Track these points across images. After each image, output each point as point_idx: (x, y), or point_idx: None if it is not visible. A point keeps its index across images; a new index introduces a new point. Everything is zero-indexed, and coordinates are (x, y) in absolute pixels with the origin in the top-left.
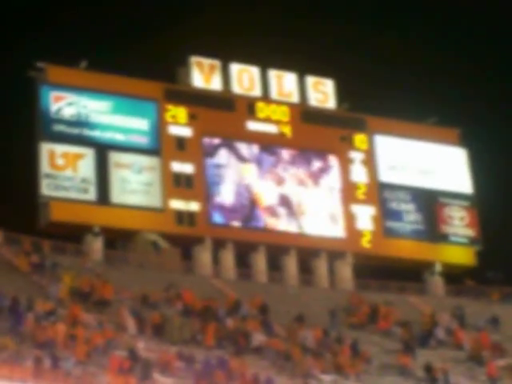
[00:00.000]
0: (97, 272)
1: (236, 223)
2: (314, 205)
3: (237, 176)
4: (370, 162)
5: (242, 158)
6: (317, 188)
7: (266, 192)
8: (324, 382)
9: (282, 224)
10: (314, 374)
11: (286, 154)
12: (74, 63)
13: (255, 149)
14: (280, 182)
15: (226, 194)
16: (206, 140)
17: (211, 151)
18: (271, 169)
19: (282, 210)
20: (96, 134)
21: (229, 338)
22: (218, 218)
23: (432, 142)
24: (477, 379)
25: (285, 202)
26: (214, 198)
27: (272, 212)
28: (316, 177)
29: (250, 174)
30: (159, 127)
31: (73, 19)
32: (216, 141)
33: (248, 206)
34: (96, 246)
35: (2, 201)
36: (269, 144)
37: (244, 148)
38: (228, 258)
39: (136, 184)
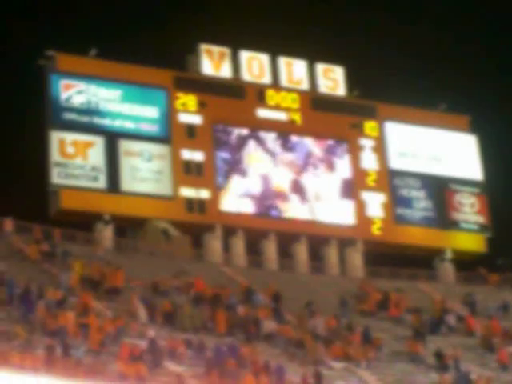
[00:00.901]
0: (107, 260)
1: (247, 210)
2: (323, 192)
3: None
4: (380, 149)
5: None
6: (327, 175)
7: (280, 179)
8: (335, 369)
9: (293, 211)
10: (325, 361)
11: (296, 140)
12: (84, 51)
13: (271, 136)
14: (292, 169)
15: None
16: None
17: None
18: (284, 156)
19: (293, 198)
20: (106, 122)
21: (240, 325)
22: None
23: (442, 128)
24: (488, 366)
25: (296, 189)
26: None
27: (284, 199)
28: (326, 164)
29: (266, 162)
30: (169, 115)
31: (82, 7)
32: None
33: (266, 194)
34: (106, 234)
35: (13, 189)
36: (279, 131)
37: (264, 136)
38: (238, 245)
39: (146, 172)
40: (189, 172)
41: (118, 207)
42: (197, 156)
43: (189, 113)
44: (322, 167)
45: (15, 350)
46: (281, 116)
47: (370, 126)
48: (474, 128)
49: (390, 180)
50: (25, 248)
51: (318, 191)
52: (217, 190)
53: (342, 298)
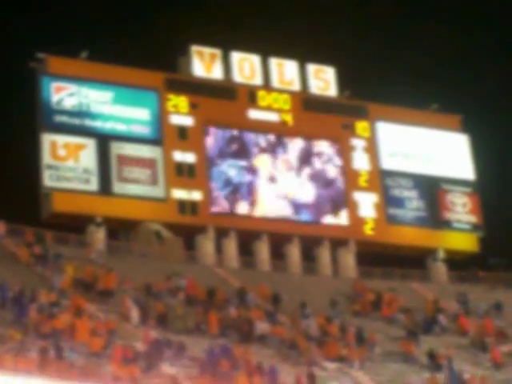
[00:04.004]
0: (100, 262)
1: (238, 211)
2: (315, 193)
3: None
4: (371, 149)
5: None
6: (318, 176)
7: (278, 181)
8: (328, 369)
9: (285, 212)
10: (318, 361)
11: (288, 141)
12: (75, 54)
13: (265, 138)
14: (285, 170)
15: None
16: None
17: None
18: (280, 157)
19: (284, 199)
20: (97, 124)
21: (233, 326)
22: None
23: (434, 128)
24: (481, 365)
25: (288, 190)
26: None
27: (275, 200)
28: (318, 165)
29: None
30: (160, 117)
31: (73, 9)
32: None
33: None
34: (98, 236)
35: (5, 192)
36: (271, 132)
37: (256, 139)
38: (231, 246)
39: (138, 174)
40: (181, 174)
41: (110, 209)
42: (189, 157)
43: (180, 114)
44: (312, 168)
45: (9, 352)
46: (273, 117)
47: (361, 126)
48: (466, 127)
49: (381, 180)
50: (17, 251)
51: (307, 192)
52: (210, 191)
53: (332, 299)
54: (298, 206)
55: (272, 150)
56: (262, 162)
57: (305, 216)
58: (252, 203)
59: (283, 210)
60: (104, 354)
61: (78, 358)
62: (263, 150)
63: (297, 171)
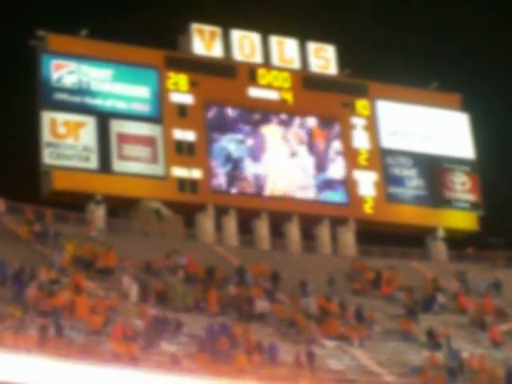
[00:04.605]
0: (99, 240)
1: (238, 190)
2: (315, 171)
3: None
4: (371, 127)
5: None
6: (318, 155)
7: (275, 160)
8: (327, 347)
9: (284, 190)
10: (318, 339)
11: (288, 120)
12: (75, 31)
13: (265, 115)
14: (286, 148)
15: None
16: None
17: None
18: (284, 132)
19: (282, 177)
20: (97, 102)
21: (232, 304)
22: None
23: (434, 107)
24: (480, 344)
25: (288, 168)
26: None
27: (274, 179)
28: (318, 143)
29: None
30: (160, 95)
31: None
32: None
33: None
34: (98, 214)
35: (4, 170)
36: (271, 110)
37: (256, 115)
38: (231, 224)
39: (138, 152)
40: (180, 152)
41: (110, 187)
42: (188, 135)
43: (180, 92)
44: (313, 146)
45: (8, 330)
46: (272, 95)
47: (361, 104)
48: (466, 106)
49: (381, 159)
50: (17, 229)
51: (307, 170)
52: (210, 169)
53: (331, 277)
54: (299, 184)
55: (274, 123)
56: (267, 133)
57: (305, 194)
58: (252, 181)
59: (284, 188)
60: (103, 332)
61: (78, 336)
62: (264, 123)
63: (304, 147)
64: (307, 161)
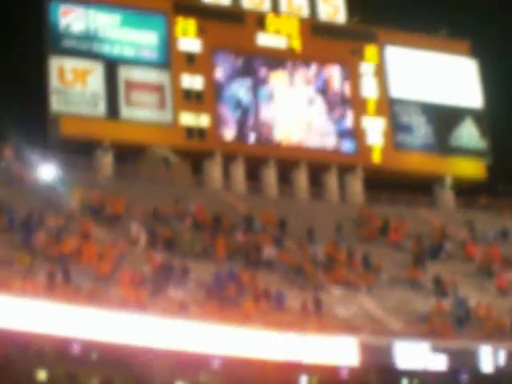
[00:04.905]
0: (107, 187)
1: (246, 137)
2: (324, 119)
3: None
4: (380, 74)
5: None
6: (327, 102)
7: (283, 107)
8: (335, 294)
9: (293, 138)
10: (325, 287)
11: (296, 67)
12: None
13: (274, 61)
14: (294, 95)
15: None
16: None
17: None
18: (292, 77)
19: (291, 124)
20: (105, 48)
21: (240, 251)
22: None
23: (443, 53)
24: (486, 292)
25: (296, 115)
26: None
27: (283, 126)
28: (326, 91)
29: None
30: (168, 41)
31: None
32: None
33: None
34: (106, 160)
35: (12, 116)
36: (279, 57)
37: (265, 62)
38: (238, 172)
39: (145, 98)
40: (189, 98)
41: (118, 134)
42: (197, 82)
43: (188, 38)
44: (321, 94)
45: (16, 276)
46: (281, 42)
47: (370, 51)
48: (475, 52)
49: (390, 106)
50: (25, 175)
51: (316, 118)
52: (218, 116)
53: (337, 224)
54: (308, 131)
55: (283, 69)
56: (276, 80)
57: (313, 141)
58: (260, 128)
59: (291, 136)
60: (111, 278)
61: (86, 282)
62: (273, 70)
63: (312, 92)
64: (315, 108)
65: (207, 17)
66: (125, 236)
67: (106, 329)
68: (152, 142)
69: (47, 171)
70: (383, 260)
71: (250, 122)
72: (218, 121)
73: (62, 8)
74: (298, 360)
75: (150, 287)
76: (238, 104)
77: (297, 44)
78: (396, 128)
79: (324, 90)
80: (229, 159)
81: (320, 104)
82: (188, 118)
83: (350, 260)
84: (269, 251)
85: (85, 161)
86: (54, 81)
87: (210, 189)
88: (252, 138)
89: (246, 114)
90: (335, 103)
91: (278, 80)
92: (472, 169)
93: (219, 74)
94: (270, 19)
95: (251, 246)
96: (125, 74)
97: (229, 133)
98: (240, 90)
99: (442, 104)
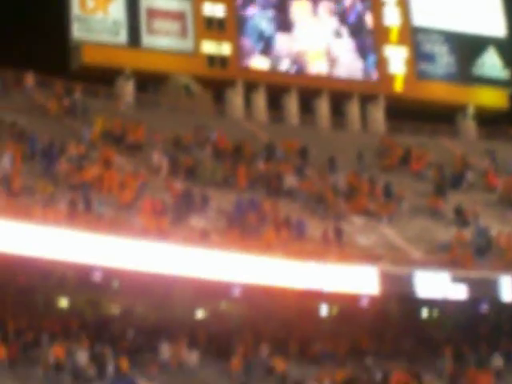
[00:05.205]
0: (129, 115)
1: (268, 65)
2: (346, 48)
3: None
4: (403, 3)
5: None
6: (349, 31)
7: (305, 35)
8: (355, 224)
9: (315, 67)
10: (346, 216)
11: None
12: None
13: None
14: (317, 25)
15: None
16: None
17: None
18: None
19: (313, 53)
20: None
21: (261, 180)
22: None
23: None
24: (508, 222)
25: (318, 45)
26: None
27: (305, 55)
28: (349, 20)
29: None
30: None
31: None
32: None
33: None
34: (128, 89)
35: (33, 43)
36: None
37: None
38: (260, 100)
39: (167, 26)
40: (210, 26)
41: (140, 62)
42: (218, 10)
43: None
44: (343, 23)
45: (38, 204)
46: None
47: None
48: None
49: (413, 35)
50: (46, 103)
51: (339, 46)
52: (240, 45)
53: (359, 153)
54: (330, 60)
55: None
56: (299, 9)
57: (335, 70)
58: (281, 56)
59: (315, 64)
60: (133, 207)
61: (107, 211)
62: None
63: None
64: (338, 37)
65: None
66: (146, 164)
67: (128, 257)
68: (173, 71)
69: (68, 99)
70: (404, 189)
71: (272, 50)
72: (239, 49)
73: None
74: (319, 289)
75: (171, 216)
76: (261, 34)
77: None
78: (418, 57)
79: (347, 19)
80: (250, 88)
81: (343, 33)
82: (210, 47)
83: (371, 189)
84: (290, 180)
85: (106, 89)
86: (75, 8)
87: (232, 117)
88: (274, 66)
89: (267, 43)
90: (358, 32)
91: (300, 9)
92: (494, 98)
93: (241, 1)
94: None
95: (272, 174)
96: (147, 1)
97: (251, 61)
98: (262, 19)
99: (465, 33)
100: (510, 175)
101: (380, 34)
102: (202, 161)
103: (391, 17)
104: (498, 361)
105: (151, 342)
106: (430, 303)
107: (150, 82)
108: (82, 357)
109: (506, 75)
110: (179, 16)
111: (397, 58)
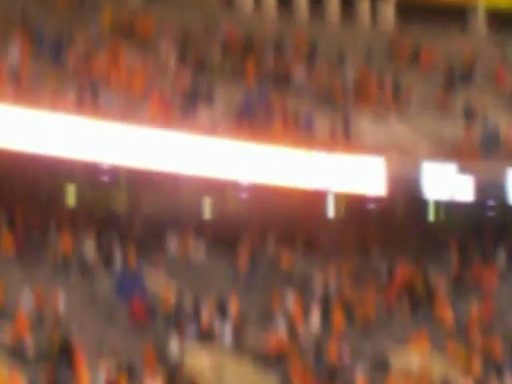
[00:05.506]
0: (137, 7)
1: None
2: None
3: None
4: None
5: None
6: None
7: None
8: (364, 118)
9: None
10: (355, 111)
11: None
12: None
13: None
14: None
15: None
16: None
17: None
18: None
19: None
20: None
21: (269, 74)
22: None
23: None
24: None
25: None
26: None
27: None
28: None
29: None
30: None
31: None
32: None
33: None
34: None
35: None
36: None
37: None
38: None
39: None
40: None
41: None
42: None
43: None
44: None
45: (46, 93)
46: None
47: None
48: None
49: None
50: None
51: None
52: None
53: (368, 49)
54: None
55: None
56: None
57: None
58: None
59: None
60: (141, 100)
61: (116, 104)
62: None
63: None
64: None
65: None
66: (155, 57)
67: (135, 149)
68: None
69: None
70: (413, 85)
71: None
72: None
73: None
74: (326, 187)
75: (179, 109)
76: None
77: None
78: None
79: None
80: None
81: None
82: None
83: (380, 85)
84: (299, 74)
85: None
86: None
87: (241, 10)
88: None
89: None
90: None
91: None
92: None
93: None
94: None
95: (281, 69)
96: None
97: None
98: None
99: None
100: None
101: None
102: (211, 53)
103: None
104: (501, 257)
105: (158, 234)
106: (437, 204)
107: None
108: (90, 247)
109: None
110: None
111: None
